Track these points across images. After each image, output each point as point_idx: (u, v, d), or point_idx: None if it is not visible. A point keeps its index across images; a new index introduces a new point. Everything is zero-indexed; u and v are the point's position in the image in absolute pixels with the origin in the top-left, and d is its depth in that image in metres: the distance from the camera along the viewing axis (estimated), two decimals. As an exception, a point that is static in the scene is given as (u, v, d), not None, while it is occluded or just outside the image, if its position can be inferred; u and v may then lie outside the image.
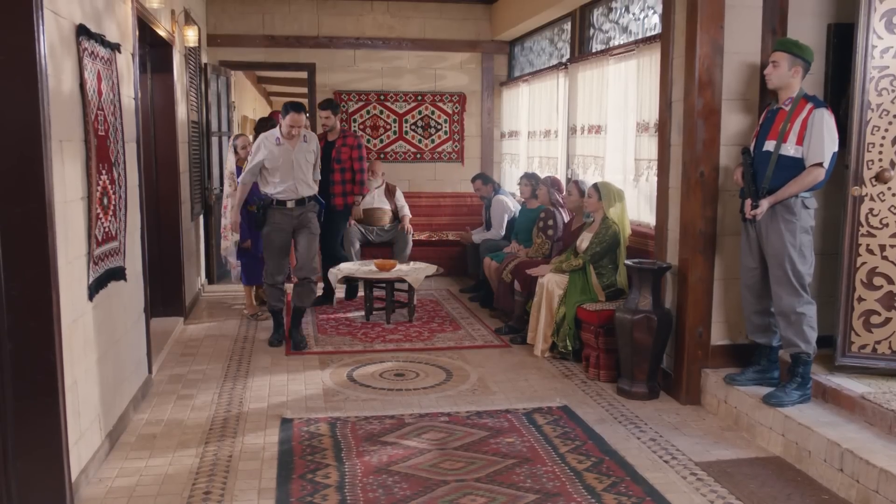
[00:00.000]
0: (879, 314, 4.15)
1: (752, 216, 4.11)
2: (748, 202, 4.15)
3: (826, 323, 4.35)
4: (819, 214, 4.44)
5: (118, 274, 4.14)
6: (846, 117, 4.21)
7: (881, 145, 4.07)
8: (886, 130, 4.06)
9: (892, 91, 4.04)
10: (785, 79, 4.12)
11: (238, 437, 4.17)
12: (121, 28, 4.54)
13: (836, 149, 4.04)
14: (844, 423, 3.80)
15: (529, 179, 7.16)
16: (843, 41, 4.46)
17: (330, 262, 7.28)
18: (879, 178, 4.08)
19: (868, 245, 4.14)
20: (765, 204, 4.07)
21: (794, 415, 3.92)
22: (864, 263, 4.15)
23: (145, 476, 3.67)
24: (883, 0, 3.99)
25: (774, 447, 3.99)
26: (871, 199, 4.11)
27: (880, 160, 4.08)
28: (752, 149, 4.26)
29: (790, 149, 4.06)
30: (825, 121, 4.01)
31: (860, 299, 4.18)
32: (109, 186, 3.98)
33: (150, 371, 5.01)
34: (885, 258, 4.12)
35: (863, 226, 4.14)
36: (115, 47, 4.16)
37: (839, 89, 4.52)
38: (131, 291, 4.56)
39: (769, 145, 4.13)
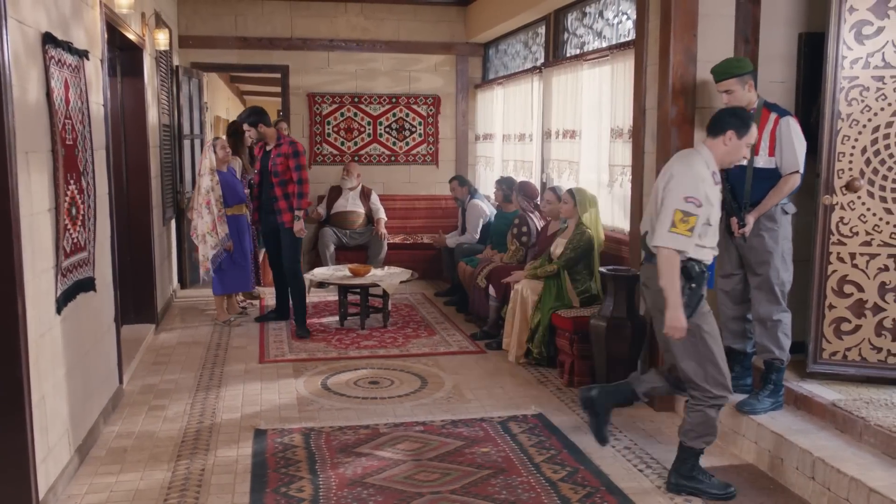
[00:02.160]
0: (850, 321, 4.19)
1: (742, 234, 4.10)
2: (734, 220, 4.13)
3: (798, 330, 4.39)
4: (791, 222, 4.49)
5: (87, 285, 4.07)
6: (817, 126, 4.24)
7: (851, 155, 4.11)
8: (856, 140, 4.10)
9: (862, 101, 4.08)
10: (744, 99, 4.12)
11: (211, 450, 4.12)
12: (89, 34, 4.46)
13: (805, 150, 4.08)
14: (816, 430, 3.84)
15: (501, 184, 7.16)
16: (814, 50, 4.49)
17: (293, 280, 6.60)
18: (849, 187, 4.11)
19: (839, 253, 4.18)
20: (751, 219, 4.07)
21: (766, 422, 3.95)
22: (834, 271, 4.19)
23: (116, 492, 3.61)
24: (853, 11, 4.03)
25: (748, 455, 4.02)
26: (842, 207, 4.15)
27: (850, 169, 4.12)
28: None
29: (762, 161, 4.09)
30: (792, 128, 4.04)
31: (831, 307, 4.21)
32: (78, 196, 3.92)
33: (120, 381, 4.94)
34: (855, 266, 4.16)
35: (833, 234, 4.18)
36: (83, 54, 4.09)
37: (810, 97, 4.57)
38: (101, 301, 4.48)
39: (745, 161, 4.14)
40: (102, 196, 4.57)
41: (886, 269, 4.11)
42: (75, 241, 3.87)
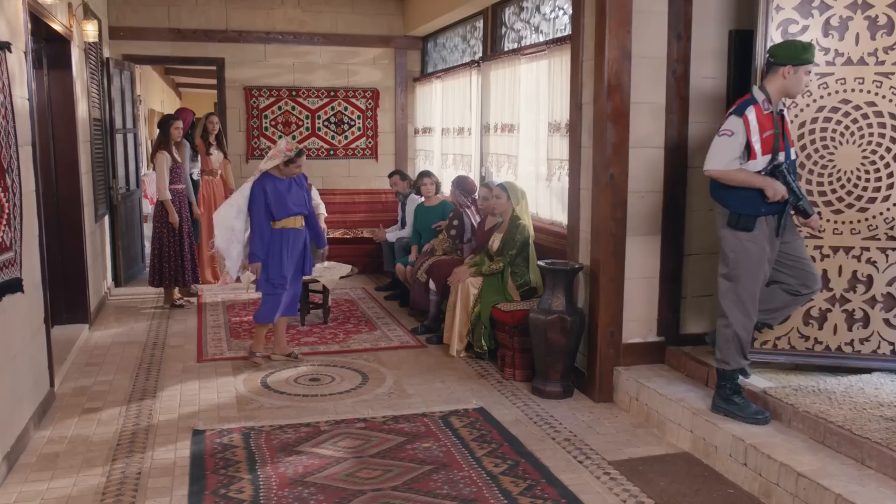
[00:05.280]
0: (779, 311, 4.32)
1: (823, 228, 4.06)
2: (815, 217, 3.97)
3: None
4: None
5: (14, 286, 3.93)
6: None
7: (779, 149, 4.22)
8: (784, 135, 4.21)
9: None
10: None
11: (147, 453, 4.03)
12: (10, 25, 4.30)
13: None
14: (748, 417, 3.95)
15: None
16: (743, 46, 4.59)
17: None
18: (778, 180, 4.22)
19: (768, 245, 4.29)
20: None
21: (700, 411, 4.04)
22: (764, 263, 4.30)
23: (47, 500, 3.51)
24: (779, 10, 4.14)
25: (683, 443, 4.11)
26: (772, 200, 4.26)
27: (779, 163, 4.23)
28: (774, 159, 3.90)
29: (794, 154, 4.02)
30: None
31: (762, 297, 4.33)
32: (2, 195, 3.78)
33: (51, 384, 4.79)
34: (784, 257, 4.28)
35: (763, 226, 4.28)
36: (4, 46, 3.93)
37: (741, 93, 4.65)
38: (29, 303, 4.34)
39: (791, 153, 3.98)
40: (29, 194, 4.42)
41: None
42: (0, 241, 3.73)
